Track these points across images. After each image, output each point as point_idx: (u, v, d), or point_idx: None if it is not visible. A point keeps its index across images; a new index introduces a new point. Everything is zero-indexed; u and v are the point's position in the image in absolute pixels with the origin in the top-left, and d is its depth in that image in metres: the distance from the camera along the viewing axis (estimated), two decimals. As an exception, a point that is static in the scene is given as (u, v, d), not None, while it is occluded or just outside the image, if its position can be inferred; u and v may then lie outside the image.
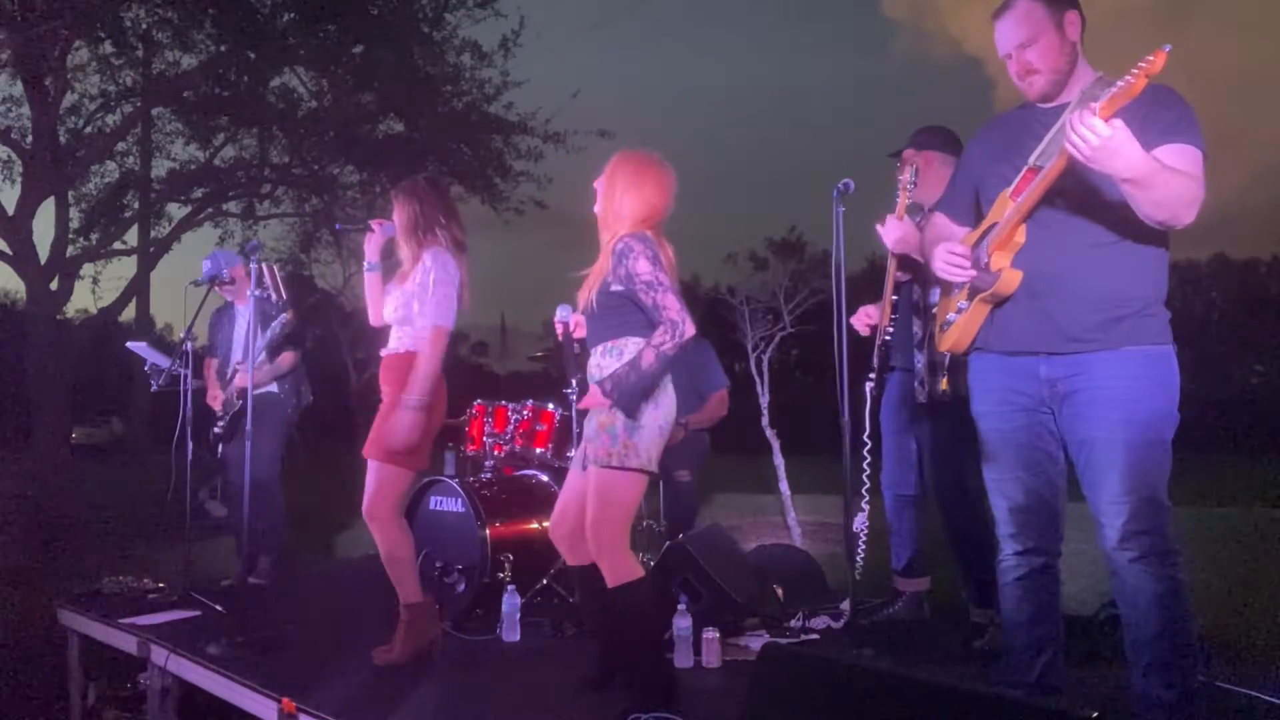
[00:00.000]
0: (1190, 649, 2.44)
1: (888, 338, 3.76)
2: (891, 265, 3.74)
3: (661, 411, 2.90)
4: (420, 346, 3.48)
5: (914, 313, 3.75)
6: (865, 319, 3.83)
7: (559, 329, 3.31)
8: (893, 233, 3.54)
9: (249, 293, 4.19)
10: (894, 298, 3.76)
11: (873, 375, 3.74)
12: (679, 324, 2.79)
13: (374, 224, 3.73)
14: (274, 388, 5.27)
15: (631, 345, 2.89)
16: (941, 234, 2.73)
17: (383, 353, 3.66)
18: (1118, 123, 2.11)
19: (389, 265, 3.77)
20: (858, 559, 3.81)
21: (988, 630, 3.57)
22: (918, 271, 3.72)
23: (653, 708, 2.72)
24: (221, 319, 5.45)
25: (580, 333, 3.17)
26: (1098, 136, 2.10)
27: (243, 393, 5.13)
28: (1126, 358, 2.40)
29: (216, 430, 5.26)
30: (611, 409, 2.85)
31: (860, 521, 3.81)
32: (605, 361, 2.93)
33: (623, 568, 2.85)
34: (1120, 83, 2.09)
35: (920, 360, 3.71)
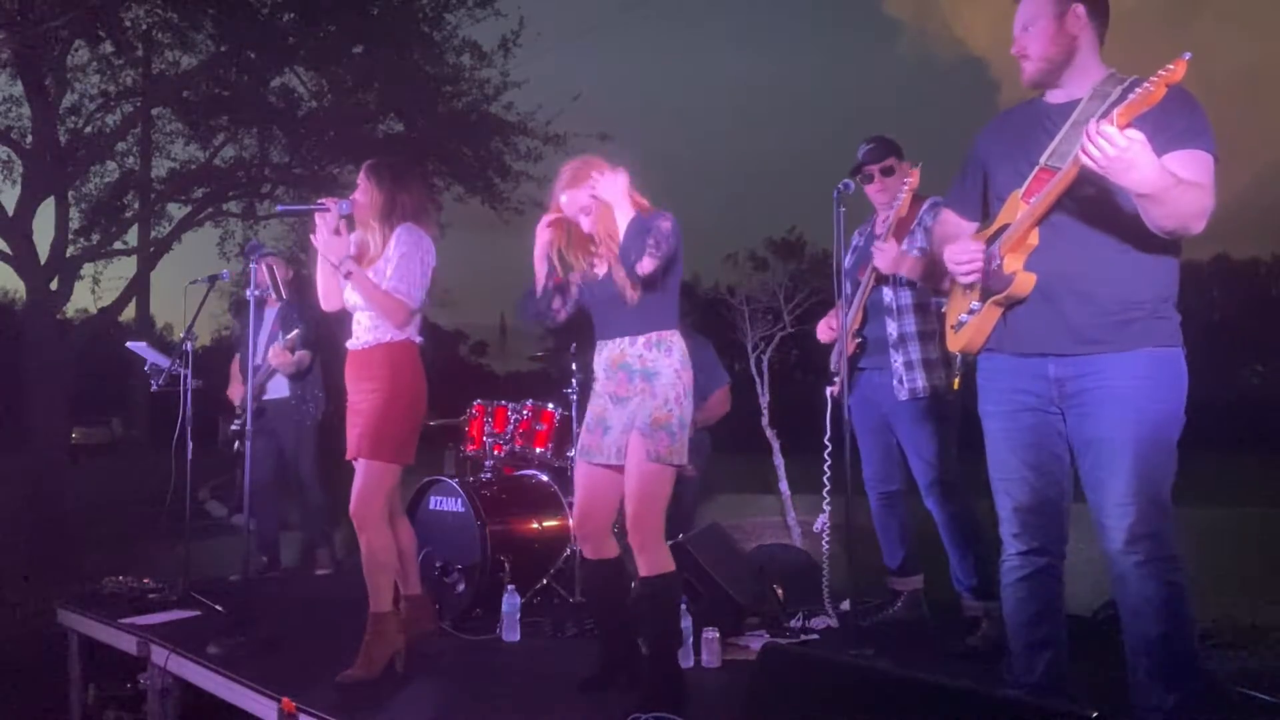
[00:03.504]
0: (1191, 652, 2.43)
1: (860, 339, 3.83)
2: (871, 270, 3.78)
3: (693, 409, 3.00)
4: (384, 295, 3.35)
5: (886, 314, 3.79)
6: (827, 326, 3.92)
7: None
8: (889, 254, 3.62)
9: (248, 293, 4.19)
10: (864, 302, 3.83)
11: (836, 379, 3.78)
12: (644, 260, 2.83)
13: (328, 202, 3.48)
14: (285, 392, 5.35)
15: (678, 340, 2.99)
16: (950, 231, 2.74)
17: (349, 346, 3.51)
18: (1136, 134, 2.10)
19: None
20: (824, 561, 3.88)
21: (982, 624, 3.59)
22: (889, 275, 3.78)
23: (657, 706, 2.72)
24: (244, 319, 5.53)
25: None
26: (1114, 147, 2.09)
27: (256, 393, 5.29)
28: (1136, 359, 2.39)
29: (233, 427, 5.39)
30: (666, 407, 2.91)
31: (821, 523, 3.87)
32: (650, 354, 2.96)
33: (661, 558, 2.93)
34: (1139, 90, 2.08)
35: (896, 359, 3.75)
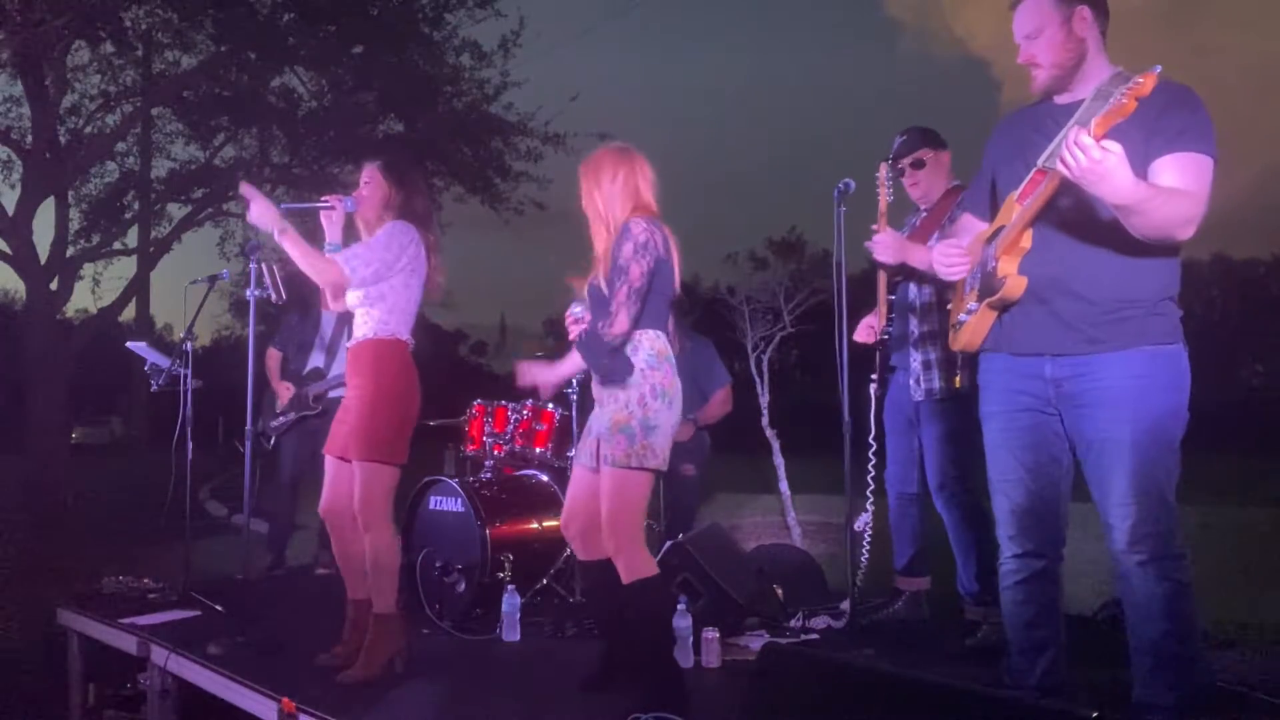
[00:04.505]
0: (1195, 652, 2.43)
1: (886, 337, 3.77)
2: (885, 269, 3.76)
3: (674, 411, 2.93)
4: (323, 258, 3.30)
5: (909, 311, 3.76)
6: (866, 329, 3.84)
7: (573, 329, 3.34)
8: (887, 245, 3.54)
9: (249, 293, 4.19)
10: (890, 297, 3.78)
11: (875, 376, 3.76)
12: (614, 319, 2.85)
13: (333, 200, 3.44)
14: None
15: (646, 340, 2.92)
16: (963, 231, 2.74)
17: (347, 343, 3.50)
18: (1113, 146, 2.10)
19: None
20: (862, 559, 3.83)
21: (981, 627, 3.58)
22: (912, 271, 3.74)
23: (658, 707, 2.71)
24: (297, 317, 5.59)
25: (574, 331, 3.18)
26: (1089, 159, 2.10)
27: (320, 396, 5.36)
28: (1133, 357, 2.39)
29: (275, 424, 5.46)
30: (627, 409, 2.88)
31: (864, 521, 3.82)
32: (615, 351, 2.93)
33: (638, 564, 2.88)
34: (1111, 103, 2.09)
35: (915, 358, 3.72)
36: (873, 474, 3.75)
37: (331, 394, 5.51)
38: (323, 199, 3.49)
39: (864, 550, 3.84)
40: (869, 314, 3.85)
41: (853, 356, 3.78)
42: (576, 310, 3.09)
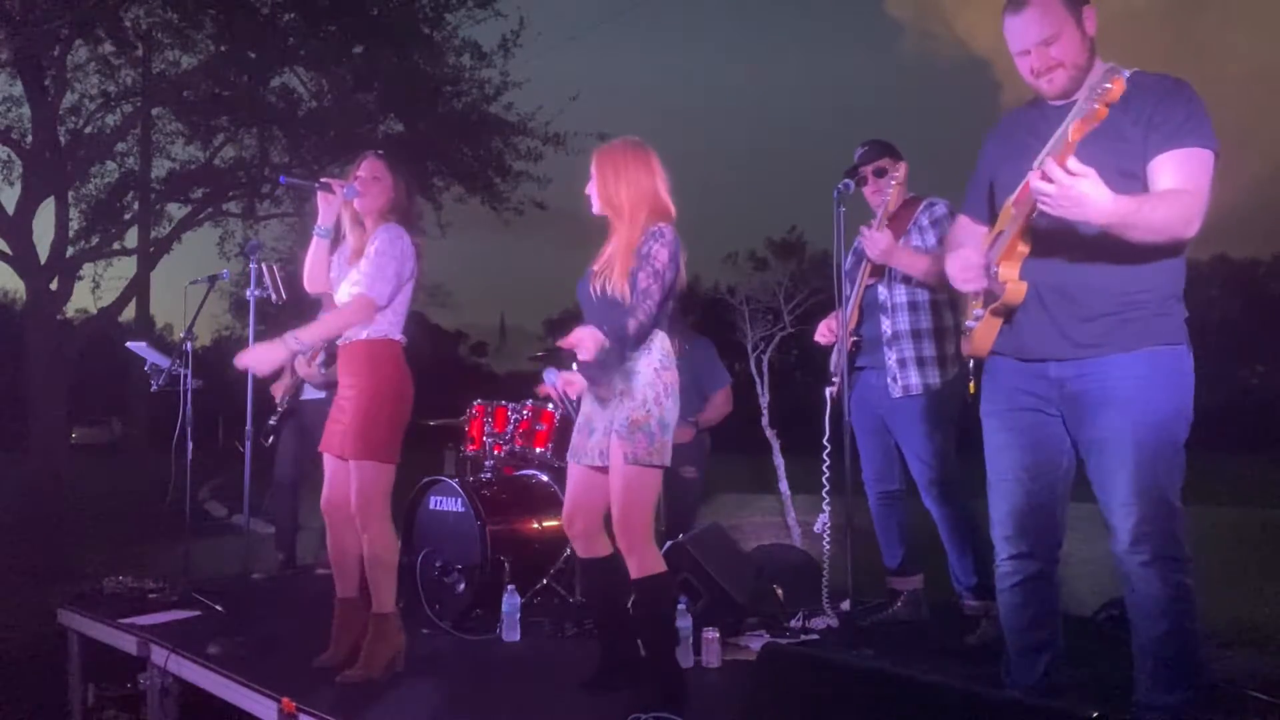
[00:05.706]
0: (1195, 653, 2.43)
1: (856, 338, 3.84)
2: (864, 268, 3.83)
3: (678, 407, 2.97)
4: (342, 307, 3.34)
5: (881, 312, 3.82)
6: (826, 330, 3.90)
7: (552, 392, 3.55)
8: (880, 243, 3.62)
9: (249, 293, 4.19)
10: (859, 301, 3.86)
11: (834, 379, 3.80)
12: (651, 315, 2.87)
13: (333, 183, 3.39)
14: (322, 394, 5.44)
15: (658, 340, 2.94)
16: (960, 235, 2.74)
17: (339, 341, 3.46)
18: (1083, 169, 2.09)
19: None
20: (823, 561, 3.88)
21: (981, 622, 3.59)
22: (884, 272, 3.82)
23: (657, 706, 2.72)
24: (298, 320, 5.65)
25: (572, 390, 3.23)
26: (1058, 188, 2.09)
27: (292, 393, 5.36)
28: (1136, 358, 2.38)
29: (271, 423, 5.48)
30: (644, 408, 2.88)
31: (822, 523, 3.87)
32: (632, 354, 2.94)
33: (650, 560, 2.90)
34: (1086, 110, 2.08)
35: (890, 356, 3.77)
36: (828, 475, 3.78)
37: (306, 395, 5.52)
38: (321, 180, 3.44)
39: (825, 551, 3.87)
40: (828, 316, 3.91)
41: (851, 355, 3.81)
42: (551, 378, 3.22)
